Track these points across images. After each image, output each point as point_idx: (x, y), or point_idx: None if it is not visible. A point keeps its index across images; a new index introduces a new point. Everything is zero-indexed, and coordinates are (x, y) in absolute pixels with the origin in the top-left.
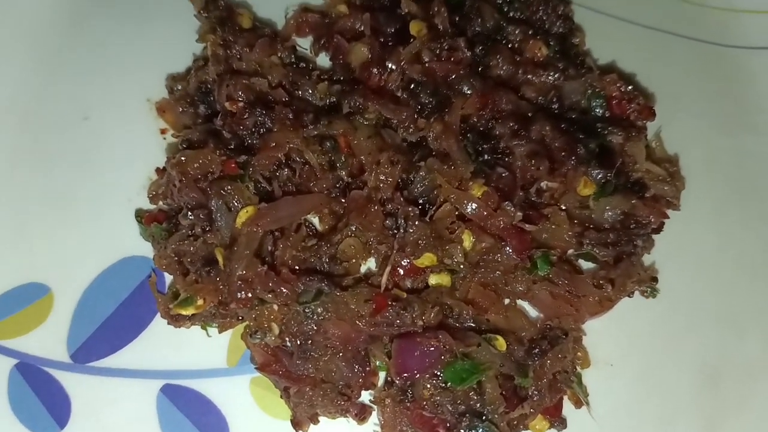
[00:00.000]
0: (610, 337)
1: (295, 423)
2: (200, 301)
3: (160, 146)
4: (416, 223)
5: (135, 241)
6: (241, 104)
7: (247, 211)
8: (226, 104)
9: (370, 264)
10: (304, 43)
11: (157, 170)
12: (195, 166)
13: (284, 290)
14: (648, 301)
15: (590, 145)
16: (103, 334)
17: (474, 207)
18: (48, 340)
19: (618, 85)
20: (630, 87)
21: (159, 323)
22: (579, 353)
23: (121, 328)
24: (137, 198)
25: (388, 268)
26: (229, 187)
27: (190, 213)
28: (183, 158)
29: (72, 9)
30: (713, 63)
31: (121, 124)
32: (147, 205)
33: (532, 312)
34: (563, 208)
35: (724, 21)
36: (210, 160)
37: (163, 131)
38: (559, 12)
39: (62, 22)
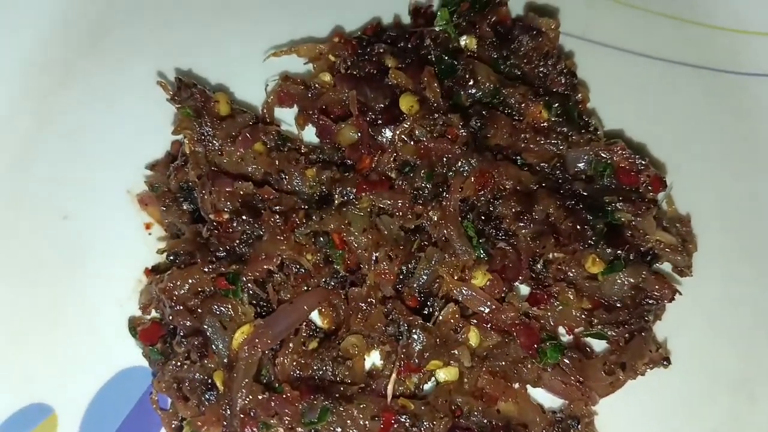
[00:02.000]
0: (620, 412)
1: None
2: None
3: (146, 243)
4: (420, 332)
5: (130, 351)
6: (227, 215)
7: (243, 332)
8: (211, 216)
9: (374, 358)
10: (288, 114)
11: (146, 271)
12: (184, 288)
13: (288, 412)
14: (658, 372)
15: (598, 225)
16: None
17: (478, 301)
18: None
19: (626, 154)
20: (639, 157)
21: None
22: None
23: None
24: (128, 303)
25: (393, 376)
26: (222, 305)
27: (184, 340)
28: (170, 283)
29: (34, 97)
30: (722, 95)
31: (103, 221)
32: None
33: (541, 394)
34: (571, 279)
35: (733, 45)
36: (199, 281)
37: (147, 226)
38: (560, 68)
39: (25, 111)
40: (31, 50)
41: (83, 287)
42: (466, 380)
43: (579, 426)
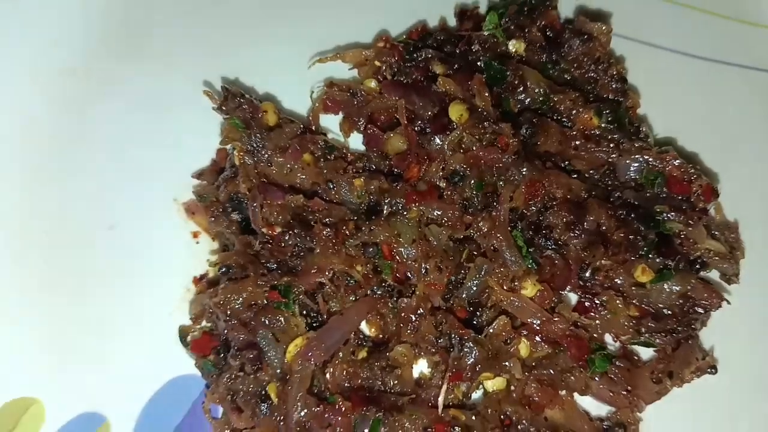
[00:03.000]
0: (665, 419)
1: None
2: None
3: (194, 252)
4: (472, 345)
5: (181, 359)
6: (279, 230)
7: (296, 345)
8: (264, 229)
9: (422, 366)
10: (333, 121)
11: (194, 280)
12: (238, 301)
13: (340, 423)
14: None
15: (650, 236)
16: None
17: (529, 314)
18: None
19: (678, 163)
20: (691, 167)
21: None
22: None
23: None
24: (177, 312)
25: (445, 387)
26: (275, 318)
27: (238, 353)
28: (224, 297)
29: (78, 106)
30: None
31: (150, 230)
32: (187, 318)
33: (588, 401)
34: (618, 283)
35: None
36: (253, 294)
37: (195, 235)
38: (611, 73)
39: (68, 121)
40: (73, 59)
41: (132, 297)
42: (513, 389)
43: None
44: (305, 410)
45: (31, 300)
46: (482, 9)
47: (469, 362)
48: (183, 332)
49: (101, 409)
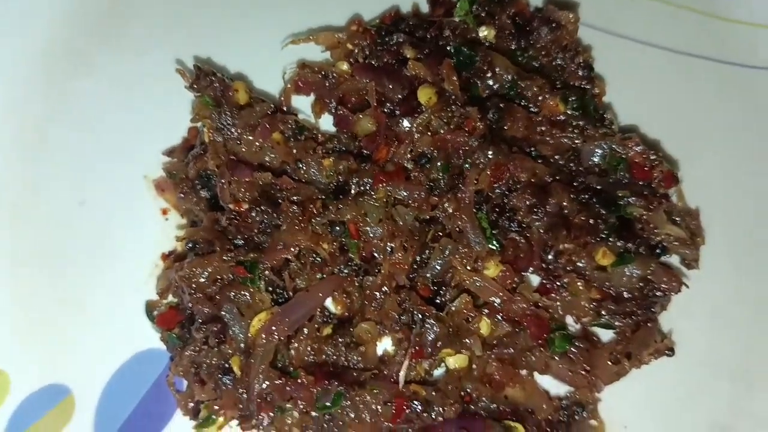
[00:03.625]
0: (624, 399)
1: None
2: (221, 420)
3: (163, 228)
4: (433, 322)
5: (147, 334)
6: (246, 206)
7: (260, 319)
8: (231, 205)
9: (386, 344)
10: (305, 103)
11: (163, 256)
12: (204, 275)
13: (303, 397)
14: (662, 359)
15: (610, 219)
16: (130, 430)
17: (491, 292)
18: None
19: (640, 149)
20: (653, 153)
21: (182, 417)
22: (594, 422)
23: (145, 424)
24: (145, 287)
25: (406, 363)
26: (240, 292)
27: (203, 326)
28: (190, 271)
29: (51, 84)
30: (739, 89)
31: (120, 207)
32: (155, 293)
33: (547, 381)
34: (580, 267)
35: (753, 40)
36: (218, 269)
37: (164, 212)
38: (578, 61)
39: (42, 99)
40: (49, 39)
41: (100, 271)
42: (474, 367)
43: (584, 412)
44: (267, 382)
45: (7, 269)
46: None
47: (430, 338)
48: (150, 307)
49: (66, 381)
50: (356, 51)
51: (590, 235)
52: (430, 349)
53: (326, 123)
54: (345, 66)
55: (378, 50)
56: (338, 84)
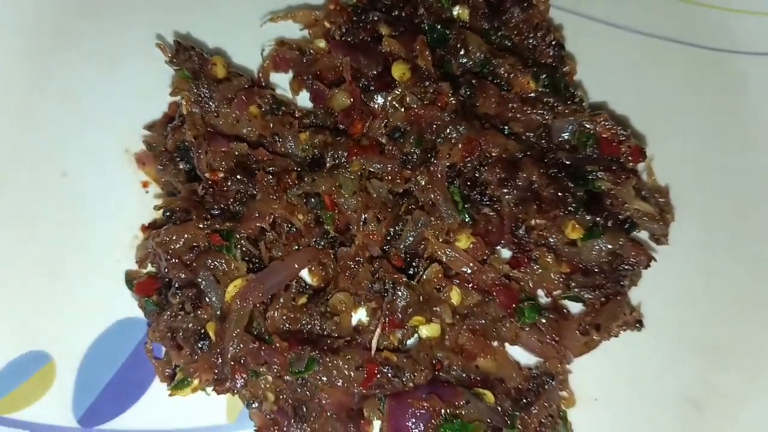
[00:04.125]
0: (595, 372)
1: None
2: (196, 382)
3: (143, 201)
4: (405, 289)
5: (128, 303)
6: (221, 174)
7: (235, 285)
8: (207, 174)
9: (361, 315)
10: (283, 80)
11: (142, 228)
12: (180, 243)
13: (276, 361)
14: (632, 334)
15: (579, 192)
16: (107, 398)
17: (461, 262)
18: (55, 407)
19: (609, 125)
20: (621, 129)
21: (159, 383)
22: (565, 393)
23: (124, 390)
24: (125, 259)
25: (378, 331)
26: (216, 260)
27: (179, 291)
28: (167, 237)
29: (35, 58)
30: (708, 71)
31: (101, 179)
32: (135, 264)
33: (519, 352)
34: (551, 244)
35: (722, 24)
36: (194, 236)
37: (144, 184)
38: (549, 40)
39: (26, 72)
40: (30, 12)
41: (81, 242)
42: (447, 337)
43: (553, 382)
44: (241, 345)
45: None
46: None
47: (401, 305)
48: (129, 277)
49: (47, 349)
50: (333, 29)
51: (559, 208)
52: (400, 316)
53: (303, 100)
54: (322, 43)
55: (354, 28)
56: (315, 60)
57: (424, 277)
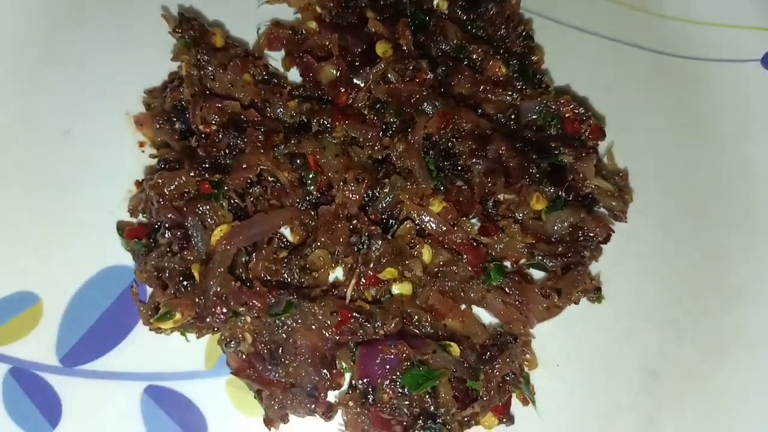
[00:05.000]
0: (558, 340)
1: (267, 421)
2: (178, 315)
3: (139, 159)
4: (379, 241)
5: (117, 252)
6: (214, 127)
7: (221, 230)
8: (201, 127)
9: (338, 273)
10: (276, 57)
11: (137, 183)
12: (171, 186)
13: (256, 303)
14: (594, 306)
15: (542, 164)
16: (90, 340)
17: (433, 224)
18: (39, 346)
19: (571, 106)
20: (582, 109)
21: (142, 329)
22: (527, 355)
23: (107, 333)
24: (118, 210)
25: (353, 282)
26: (204, 206)
27: (167, 232)
28: (160, 180)
29: (49, 26)
30: (670, 75)
31: (101, 138)
32: (128, 217)
33: (486, 316)
34: (518, 218)
35: (681, 32)
36: (186, 181)
37: (141, 144)
38: (520, 31)
39: (40, 39)
40: None
41: (78, 193)
42: (417, 296)
43: (516, 342)
44: (223, 282)
45: None
46: None
47: (374, 256)
48: (121, 226)
49: (36, 290)
50: (324, 13)
51: (524, 176)
52: (374, 266)
53: (293, 76)
54: (313, 24)
55: (343, 12)
56: (306, 39)
57: (398, 232)
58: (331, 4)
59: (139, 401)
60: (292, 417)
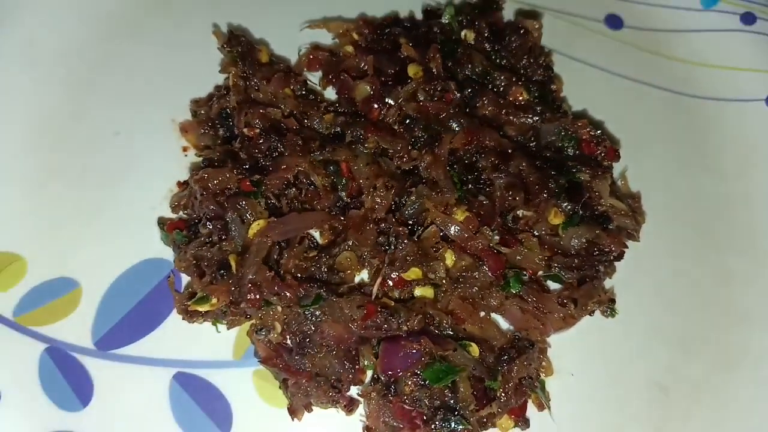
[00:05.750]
0: (573, 351)
1: (291, 411)
2: (214, 300)
3: (182, 163)
4: (405, 241)
5: (156, 245)
6: (257, 131)
7: (258, 224)
8: (244, 130)
9: (364, 275)
10: (314, 78)
11: (179, 183)
12: (215, 182)
13: (288, 294)
14: (608, 320)
15: (561, 180)
16: (125, 326)
17: (456, 229)
18: (75, 328)
19: (588, 129)
20: (599, 132)
21: (174, 319)
22: (543, 362)
23: (141, 321)
24: (159, 207)
25: (380, 279)
26: (244, 202)
27: (208, 222)
28: (205, 175)
29: (106, 37)
30: (677, 111)
31: (148, 141)
32: (168, 214)
33: (504, 324)
34: (536, 234)
35: (688, 73)
36: (228, 178)
37: (184, 149)
38: (541, 62)
39: (97, 48)
40: (108, 9)
41: (122, 189)
42: (439, 301)
43: (533, 348)
44: (258, 272)
45: (40, 179)
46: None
47: (400, 255)
48: (162, 221)
49: (76, 276)
50: (360, 39)
51: (542, 191)
52: (399, 264)
53: (329, 94)
54: (350, 48)
55: (378, 39)
56: (342, 60)
57: (423, 235)
58: (367, 31)
59: (168, 387)
60: (315, 409)
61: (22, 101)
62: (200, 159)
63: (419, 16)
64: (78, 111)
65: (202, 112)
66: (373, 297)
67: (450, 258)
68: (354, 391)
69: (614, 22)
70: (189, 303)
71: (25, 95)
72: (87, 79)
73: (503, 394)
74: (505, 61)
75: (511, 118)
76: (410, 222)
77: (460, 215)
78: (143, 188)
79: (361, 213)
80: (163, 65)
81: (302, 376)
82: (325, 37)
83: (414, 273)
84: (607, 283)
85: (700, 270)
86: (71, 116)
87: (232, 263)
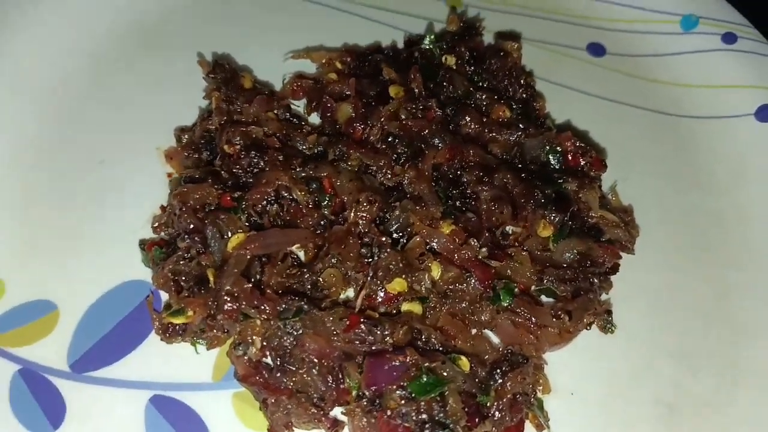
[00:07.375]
0: (573, 369)
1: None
2: (190, 312)
3: (165, 189)
4: (388, 250)
5: (137, 268)
6: (237, 147)
7: (238, 237)
8: (225, 147)
9: (349, 294)
10: (299, 104)
11: (161, 207)
12: (195, 197)
13: (267, 307)
14: (607, 337)
15: (547, 191)
16: (101, 348)
17: (442, 241)
18: (50, 350)
19: (572, 141)
20: (583, 143)
21: (152, 340)
22: (540, 380)
23: (118, 343)
24: (141, 231)
25: (363, 291)
26: (224, 217)
27: (187, 236)
28: (184, 189)
29: (93, 69)
30: (665, 130)
31: (132, 168)
32: (150, 237)
33: (496, 340)
34: (526, 250)
35: (673, 94)
36: (208, 193)
37: (169, 175)
38: (522, 81)
39: (84, 79)
40: (98, 42)
41: (105, 214)
42: (428, 317)
43: (527, 362)
44: (236, 283)
45: (22, 202)
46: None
47: (383, 265)
48: (143, 243)
49: (55, 299)
50: (343, 67)
51: (529, 201)
52: (382, 273)
53: (313, 119)
54: (333, 75)
55: (360, 66)
56: (325, 86)
57: (408, 245)
58: (350, 59)
59: (144, 410)
60: (297, 430)
61: (6, 126)
62: (182, 174)
63: (401, 45)
64: (63, 138)
65: (186, 137)
66: (357, 309)
67: (436, 269)
68: (338, 411)
69: (597, 50)
70: (165, 315)
71: (10, 121)
72: (74, 108)
73: (497, 411)
74: (486, 82)
75: (494, 135)
76: (395, 234)
77: (446, 228)
78: (126, 212)
79: (344, 228)
80: (147, 95)
81: (282, 393)
82: (310, 66)
83: (399, 284)
84: (605, 298)
85: (699, 284)
86: (55, 143)
87: (210, 277)
